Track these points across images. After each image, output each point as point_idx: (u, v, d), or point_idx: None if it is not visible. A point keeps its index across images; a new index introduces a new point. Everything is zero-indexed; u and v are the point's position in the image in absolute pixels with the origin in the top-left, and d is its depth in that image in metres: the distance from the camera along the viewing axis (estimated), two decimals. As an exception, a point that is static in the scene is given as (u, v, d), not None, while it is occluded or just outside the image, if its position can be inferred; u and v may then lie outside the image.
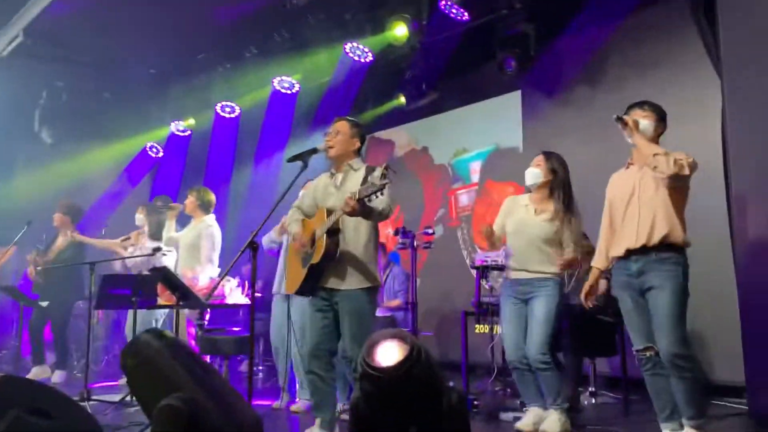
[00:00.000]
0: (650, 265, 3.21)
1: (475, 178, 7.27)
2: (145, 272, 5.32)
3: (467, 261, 7.09)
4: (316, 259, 3.41)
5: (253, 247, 3.37)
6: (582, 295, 3.52)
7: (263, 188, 8.51)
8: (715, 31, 4.72)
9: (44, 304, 6.24)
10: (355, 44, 6.42)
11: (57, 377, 6.11)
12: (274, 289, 4.94)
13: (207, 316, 5.35)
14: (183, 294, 4.37)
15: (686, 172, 3.13)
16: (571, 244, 3.88)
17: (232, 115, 8.01)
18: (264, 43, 7.11)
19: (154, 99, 8.69)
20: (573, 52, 6.25)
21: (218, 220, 5.59)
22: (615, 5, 5.64)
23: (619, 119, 3.33)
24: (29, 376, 5.80)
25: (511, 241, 4.05)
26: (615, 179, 3.51)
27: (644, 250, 3.22)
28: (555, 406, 3.78)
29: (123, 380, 6.64)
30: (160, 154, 9.17)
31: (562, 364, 3.97)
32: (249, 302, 5.35)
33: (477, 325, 5.96)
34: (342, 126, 3.67)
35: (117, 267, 6.96)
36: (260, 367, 7.11)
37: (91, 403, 4.71)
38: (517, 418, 4.01)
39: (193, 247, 5.38)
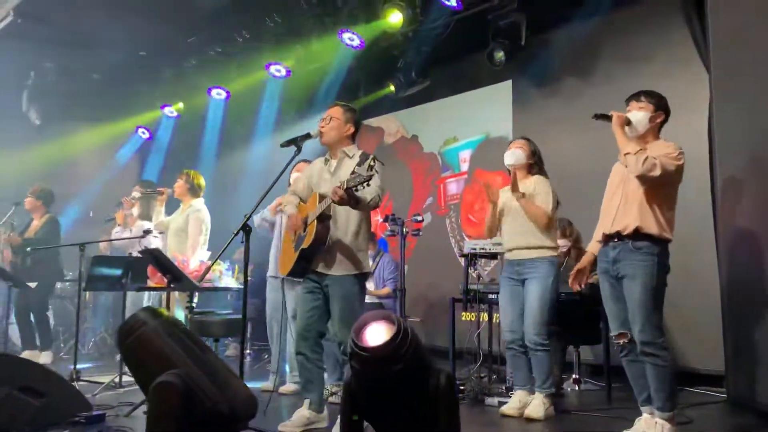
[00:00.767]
0: (624, 254, 3.27)
1: (465, 167, 7.32)
2: (135, 254, 5.32)
3: (455, 249, 7.16)
4: (306, 243, 3.45)
5: (246, 230, 3.40)
6: (570, 278, 3.57)
7: (254, 172, 8.51)
8: (704, 25, 4.79)
9: (33, 285, 6.22)
10: (348, 31, 6.42)
11: (44, 358, 6.10)
12: (269, 271, 4.97)
13: (195, 300, 5.38)
14: (175, 276, 4.39)
15: (656, 172, 3.13)
16: (539, 200, 3.98)
17: (222, 98, 7.98)
18: (256, 28, 7.09)
19: (144, 81, 8.65)
20: (564, 43, 6.29)
21: (207, 204, 5.59)
22: (607, -1, 5.71)
23: (599, 117, 3.38)
24: (20, 359, 5.80)
25: (502, 225, 4.19)
26: (614, 168, 3.56)
27: (620, 237, 3.28)
28: (542, 389, 3.87)
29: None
30: (147, 136, 9.14)
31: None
32: (238, 286, 5.41)
33: (464, 313, 6.03)
34: (335, 111, 3.69)
35: (101, 248, 6.98)
36: (248, 351, 7.16)
37: (80, 383, 4.74)
38: (502, 403, 4.09)
39: (182, 231, 5.39)
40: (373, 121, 8.34)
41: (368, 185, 3.19)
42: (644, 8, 5.76)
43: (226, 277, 5.22)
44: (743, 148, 4.07)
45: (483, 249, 4.94)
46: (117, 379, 4.80)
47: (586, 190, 5.10)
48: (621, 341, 3.32)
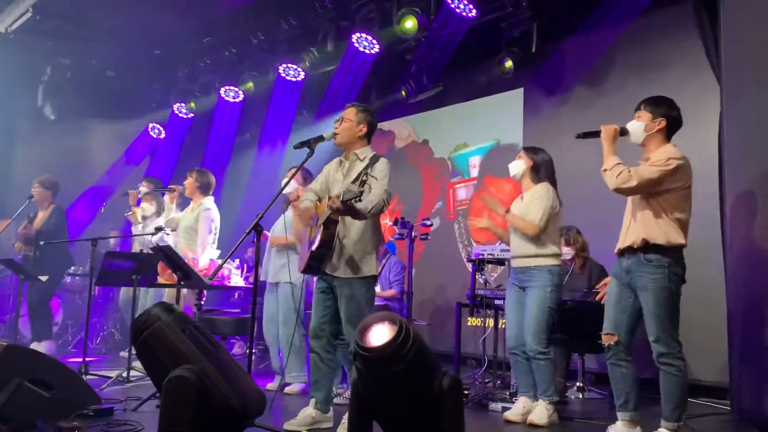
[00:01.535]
0: (636, 266, 3.30)
1: (474, 173, 7.35)
2: (147, 250, 5.38)
3: (462, 254, 7.19)
4: (314, 246, 3.50)
5: (258, 230, 3.44)
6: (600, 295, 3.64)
7: (266, 173, 8.57)
8: (717, 37, 4.80)
9: (44, 278, 6.28)
10: (362, 35, 6.47)
11: (43, 347, 6.11)
12: (262, 276, 4.99)
13: (203, 299, 5.43)
14: (185, 273, 4.44)
15: (631, 183, 3.18)
16: (539, 210, 3.98)
17: (236, 100, 8.04)
18: (271, 30, 7.15)
19: (158, 80, 8.74)
20: (576, 53, 6.33)
21: (217, 203, 5.64)
22: (620, 9, 5.72)
23: (584, 135, 3.47)
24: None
25: (510, 232, 4.23)
26: None
27: (632, 250, 3.32)
28: (545, 397, 3.89)
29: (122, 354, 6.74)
30: (162, 135, 9.19)
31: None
32: (246, 285, 5.46)
33: (470, 318, 6.06)
34: (349, 113, 3.70)
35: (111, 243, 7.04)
36: (254, 350, 7.18)
37: (89, 377, 4.79)
38: (506, 408, 4.12)
39: (191, 229, 5.44)
40: (384, 125, 8.38)
41: (360, 200, 3.17)
42: (657, 18, 5.77)
43: (235, 276, 5.27)
44: (753, 160, 4.08)
45: (491, 255, 4.98)
46: (125, 374, 4.85)
47: (596, 199, 5.13)
48: (608, 342, 3.37)
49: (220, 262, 4.76)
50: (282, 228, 4.79)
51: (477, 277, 5.12)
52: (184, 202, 5.92)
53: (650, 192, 3.26)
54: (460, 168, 7.52)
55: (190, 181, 5.61)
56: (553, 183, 4.15)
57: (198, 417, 2.03)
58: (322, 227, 3.45)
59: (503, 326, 5.24)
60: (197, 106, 8.58)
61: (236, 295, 7.60)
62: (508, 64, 6.25)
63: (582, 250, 5.22)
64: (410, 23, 5.98)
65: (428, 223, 5.84)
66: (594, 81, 6.18)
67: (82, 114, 8.70)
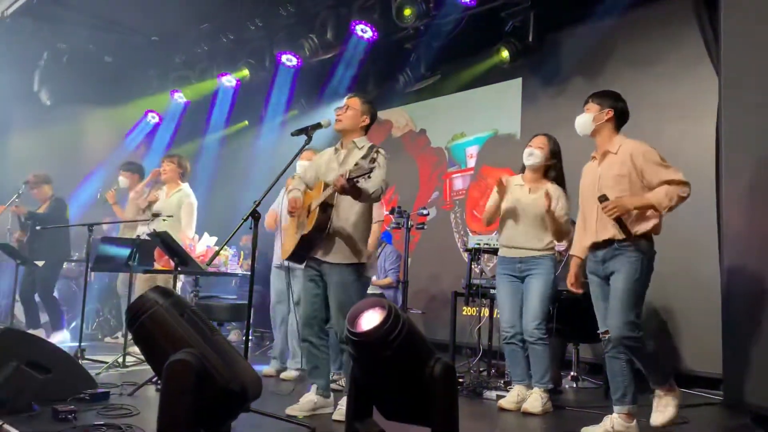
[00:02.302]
0: (611, 252, 3.36)
1: (471, 162, 7.35)
2: (144, 236, 5.38)
3: (458, 244, 7.20)
4: (306, 229, 3.51)
5: (255, 217, 3.44)
6: (568, 284, 3.65)
7: (262, 160, 8.56)
8: (716, 29, 4.79)
9: (40, 263, 6.28)
10: (360, 23, 6.45)
11: (55, 338, 6.14)
12: (274, 261, 5.02)
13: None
14: (182, 259, 4.44)
15: (686, 190, 3.24)
16: (561, 211, 3.99)
17: (232, 85, 8.01)
18: (269, 17, 7.12)
19: (155, 66, 8.70)
20: (575, 43, 6.32)
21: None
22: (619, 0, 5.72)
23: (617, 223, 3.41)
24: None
25: (506, 219, 4.17)
26: (585, 171, 3.64)
27: (606, 241, 3.36)
28: (539, 384, 3.92)
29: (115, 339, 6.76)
30: (156, 120, 9.18)
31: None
32: (242, 272, 5.47)
33: (465, 307, 6.08)
34: (354, 102, 3.73)
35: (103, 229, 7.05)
36: (250, 337, 7.20)
37: (84, 362, 4.80)
38: (501, 397, 4.15)
39: (174, 216, 5.45)
40: (381, 114, 8.31)
41: (369, 177, 3.23)
42: (656, 10, 5.76)
43: (232, 263, 5.28)
44: (750, 153, 4.09)
45: (487, 244, 4.99)
46: (120, 359, 4.86)
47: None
48: (607, 337, 3.40)
49: (216, 248, 4.76)
50: None
51: (473, 266, 5.14)
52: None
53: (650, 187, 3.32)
54: (457, 158, 7.52)
55: (171, 167, 5.63)
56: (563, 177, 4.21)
57: (198, 400, 2.04)
58: (317, 209, 3.46)
59: (498, 316, 5.27)
60: (194, 93, 8.54)
61: (233, 282, 7.61)
62: (505, 54, 6.26)
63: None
64: (408, 11, 5.98)
65: (425, 212, 5.85)
66: (592, 72, 6.17)
67: (79, 99, 8.64)
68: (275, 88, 8.03)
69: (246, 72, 7.67)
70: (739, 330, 4.07)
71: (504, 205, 4.16)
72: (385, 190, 3.55)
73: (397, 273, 6.29)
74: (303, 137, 3.69)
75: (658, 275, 3.41)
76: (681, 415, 3.71)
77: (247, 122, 9.28)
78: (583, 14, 6.03)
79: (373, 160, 3.23)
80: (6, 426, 2.82)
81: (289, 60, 7.24)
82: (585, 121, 3.50)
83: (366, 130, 3.76)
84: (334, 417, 3.46)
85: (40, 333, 6.14)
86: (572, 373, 5.17)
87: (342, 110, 3.71)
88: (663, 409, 3.42)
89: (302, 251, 3.60)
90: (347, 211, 3.57)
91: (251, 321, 3.53)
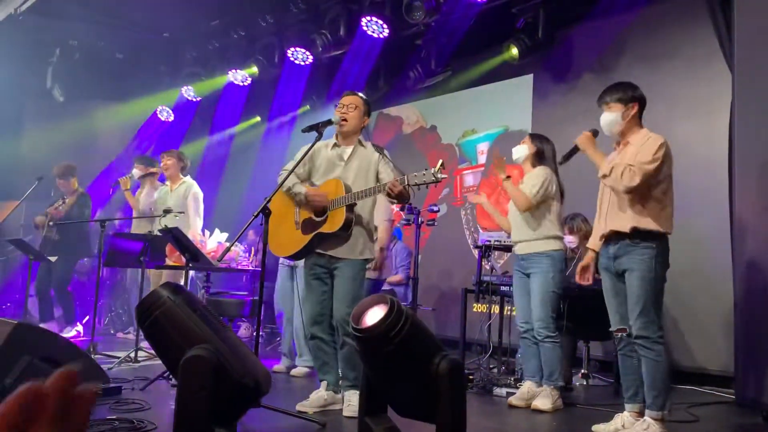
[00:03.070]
0: (623, 249, 3.31)
1: (482, 159, 7.33)
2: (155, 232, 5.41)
3: (469, 241, 7.19)
4: (330, 228, 3.48)
5: (266, 213, 3.44)
6: (577, 275, 3.62)
7: (272, 157, 8.57)
8: (730, 25, 4.75)
9: (53, 258, 6.32)
10: (371, 19, 6.44)
11: (68, 333, 6.18)
12: (281, 258, 5.03)
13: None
14: (193, 255, 4.46)
15: (637, 179, 3.15)
16: (528, 189, 4.03)
17: (243, 82, 8.02)
18: (280, 14, 7.12)
19: (166, 62, 8.73)
20: (586, 40, 6.29)
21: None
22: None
23: (567, 158, 3.53)
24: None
25: (510, 218, 4.27)
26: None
27: (618, 235, 3.32)
28: (549, 382, 3.91)
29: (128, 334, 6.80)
30: (171, 118, 9.20)
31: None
32: (252, 268, 5.49)
33: (475, 304, 6.08)
34: (358, 101, 3.74)
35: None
36: (261, 333, 7.23)
37: (97, 357, 4.84)
38: (510, 394, 4.14)
39: (178, 209, 5.48)
40: (392, 110, 8.37)
41: (427, 186, 3.28)
42: (668, 6, 5.72)
43: (244, 259, 5.30)
44: (763, 149, 4.06)
45: (497, 241, 4.98)
46: (132, 354, 4.90)
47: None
48: (620, 335, 3.38)
49: (227, 244, 4.78)
50: None
51: (483, 263, 5.13)
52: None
53: (649, 184, 3.26)
54: (467, 154, 7.51)
55: (172, 162, 5.67)
56: (555, 171, 4.15)
57: (214, 395, 2.04)
58: (344, 209, 3.46)
59: (508, 313, 5.27)
60: (205, 89, 8.57)
61: (244, 279, 7.63)
62: (514, 51, 6.22)
63: (586, 237, 5.20)
64: (419, 6, 5.97)
65: (435, 209, 5.83)
66: (603, 68, 6.14)
67: (91, 96, 8.70)
68: (286, 84, 8.04)
69: (255, 69, 7.68)
70: (751, 328, 4.04)
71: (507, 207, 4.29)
72: None
73: (408, 270, 6.28)
74: (314, 133, 3.68)
75: (669, 272, 3.38)
76: (691, 413, 3.70)
77: (258, 118, 9.30)
78: (594, 10, 6.00)
79: (435, 174, 3.18)
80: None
81: (300, 55, 7.23)
82: (613, 120, 3.40)
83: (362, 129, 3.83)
84: (345, 413, 3.47)
85: (52, 326, 6.23)
86: (583, 371, 5.15)
87: (348, 109, 3.70)
88: None
89: (312, 248, 3.60)
90: (361, 209, 3.62)
91: (262, 317, 3.54)
